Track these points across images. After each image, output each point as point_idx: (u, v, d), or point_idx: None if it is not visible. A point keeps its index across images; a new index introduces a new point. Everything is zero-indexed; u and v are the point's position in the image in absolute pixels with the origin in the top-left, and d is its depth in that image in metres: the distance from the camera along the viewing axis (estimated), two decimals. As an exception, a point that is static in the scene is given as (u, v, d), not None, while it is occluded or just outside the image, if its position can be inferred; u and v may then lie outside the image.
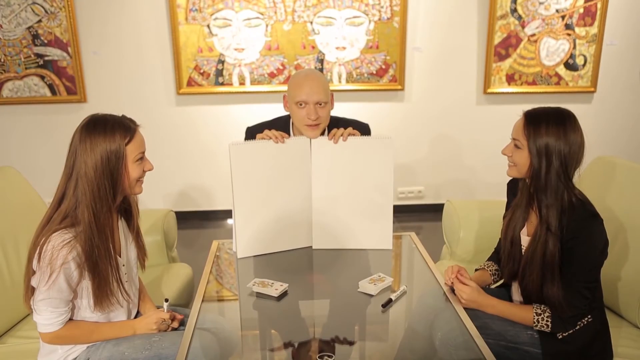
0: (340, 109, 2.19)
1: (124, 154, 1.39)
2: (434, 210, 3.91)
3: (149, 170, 1.48)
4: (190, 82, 3.66)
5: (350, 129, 1.83)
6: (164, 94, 3.72)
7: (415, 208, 4.01)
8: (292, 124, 1.97)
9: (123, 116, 1.46)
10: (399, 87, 3.73)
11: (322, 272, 1.84)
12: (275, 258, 1.86)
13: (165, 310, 1.55)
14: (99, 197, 1.37)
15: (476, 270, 1.79)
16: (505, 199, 1.78)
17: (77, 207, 1.37)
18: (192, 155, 3.87)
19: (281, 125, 1.98)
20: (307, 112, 1.80)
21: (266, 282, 1.63)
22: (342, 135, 1.80)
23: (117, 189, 1.42)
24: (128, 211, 1.56)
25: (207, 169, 3.89)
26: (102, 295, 1.41)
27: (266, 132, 1.80)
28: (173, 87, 3.70)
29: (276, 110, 2.15)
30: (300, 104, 1.81)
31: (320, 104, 1.81)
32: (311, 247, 1.86)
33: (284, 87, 3.63)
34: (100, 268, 1.39)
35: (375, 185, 1.84)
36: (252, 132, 1.98)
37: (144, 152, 1.47)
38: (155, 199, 3.87)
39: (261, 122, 2.03)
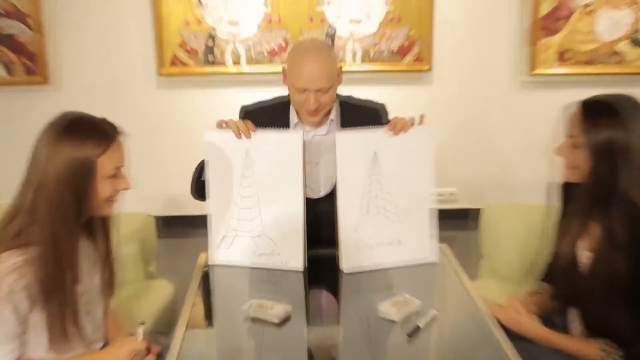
0: (355, 94, 2.18)
1: (93, 167, 1.38)
2: (469, 217, 3.88)
3: (124, 189, 1.48)
4: (175, 62, 3.64)
5: (412, 120, 1.89)
6: (142, 75, 3.71)
7: (446, 214, 3.90)
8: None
9: (103, 120, 1.45)
10: (426, 67, 3.70)
11: (333, 291, 1.86)
12: (274, 274, 1.87)
13: (141, 337, 1.52)
14: (60, 215, 1.36)
15: (530, 295, 1.76)
16: (558, 204, 1.75)
17: (32, 224, 1.35)
18: (175, 148, 3.86)
19: (281, 108, 2.06)
20: (307, 99, 1.90)
21: (265, 305, 1.62)
22: (402, 127, 1.87)
23: (82, 208, 1.40)
24: (100, 227, 1.54)
25: (194, 165, 3.87)
26: (56, 332, 1.39)
27: (230, 121, 1.89)
28: (153, 67, 3.68)
29: (276, 94, 2.17)
30: (300, 90, 1.91)
31: (323, 91, 1.90)
32: (301, 272, 1.88)
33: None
34: (54, 300, 1.38)
35: (412, 185, 1.90)
36: (247, 113, 2.08)
37: (120, 168, 1.45)
38: (131, 201, 3.82)
39: (259, 101, 2.12)
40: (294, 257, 1.87)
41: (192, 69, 3.66)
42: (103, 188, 1.41)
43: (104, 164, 1.39)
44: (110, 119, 1.48)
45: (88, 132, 1.39)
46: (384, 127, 1.86)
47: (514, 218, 2.31)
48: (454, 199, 4.01)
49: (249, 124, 1.87)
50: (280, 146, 1.86)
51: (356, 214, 1.88)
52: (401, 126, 1.86)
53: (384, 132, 1.86)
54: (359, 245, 1.88)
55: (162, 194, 3.90)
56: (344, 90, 2.10)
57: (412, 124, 1.88)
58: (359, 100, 2.11)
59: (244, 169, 1.88)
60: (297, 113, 2.02)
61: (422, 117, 1.90)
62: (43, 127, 1.40)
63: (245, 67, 3.67)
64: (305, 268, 1.87)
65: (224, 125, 1.89)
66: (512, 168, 3.99)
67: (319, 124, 2.01)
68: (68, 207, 1.36)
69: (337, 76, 1.95)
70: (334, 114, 2.03)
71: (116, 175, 1.44)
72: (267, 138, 1.87)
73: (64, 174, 1.35)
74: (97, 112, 1.49)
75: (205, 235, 1.93)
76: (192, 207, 3.89)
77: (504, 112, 3.87)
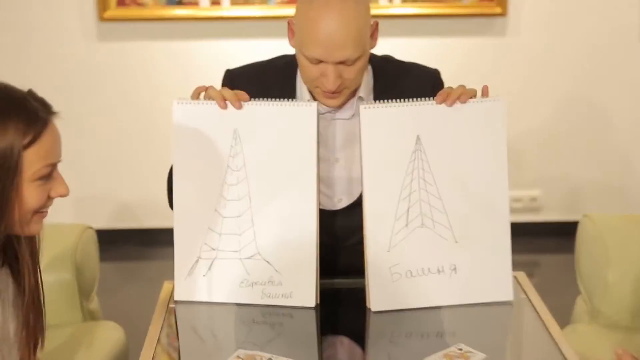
0: (395, 50, 2.17)
1: (17, 162, 1.38)
2: (559, 233, 3.87)
3: (61, 196, 1.48)
4: (124, 0, 3.69)
5: (472, 90, 1.89)
6: (75, 19, 3.74)
7: (526, 228, 3.96)
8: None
9: (29, 94, 1.45)
10: (499, 10, 3.73)
11: (357, 339, 1.85)
12: (273, 313, 1.87)
13: None
14: None
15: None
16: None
17: None
18: (127, 129, 3.88)
19: (283, 73, 2.05)
20: (323, 74, 1.87)
21: (258, 358, 1.64)
22: (458, 97, 1.87)
23: None
24: (23, 250, 1.54)
25: (153, 155, 3.90)
26: None
27: (212, 89, 1.90)
28: (93, 8, 3.71)
29: (276, 50, 2.17)
30: (313, 60, 1.88)
31: (348, 62, 1.86)
32: (312, 308, 1.89)
33: (291, 11, 3.62)
34: None
35: (475, 185, 1.89)
36: (232, 80, 2.06)
37: (55, 164, 1.46)
38: (61, 207, 3.88)
39: (251, 63, 2.11)
40: (303, 289, 1.87)
41: (150, 10, 3.68)
42: (30, 195, 1.41)
43: (33, 159, 1.39)
44: (56, 120, 1.48)
45: (7, 111, 1.38)
46: (431, 99, 1.86)
47: (628, 235, 2.30)
48: (537, 207, 4.02)
49: (240, 92, 1.87)
50: (285, 124, 1.86)
51: (390, 228, 1.87)
52: (457, 94, 1.85)
53: (431, 106, 1.86)
54: (395, 274, 1.88)
55: (108, 198, 3.92)
56: (378, 48, 2.06)
57: (474, 96, 1.88)
58: (403, 63, 2.09)
59: (230, 158, 1.87)
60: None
61: (484, 89, 1.90)
62: None
63: (228, 9, 3.69)
64: (317, 304, 1.88)
65: (203, 95, 1.89)
66: (626, 163, 4.00)
67: (341, 104, 2.00)
68: None
69: (371, 36, 1.92)
70: (365, 89, 2.02)
71: (49, 175, 1.45)
72: (265, 112, 1.86)
73: None
74: (6, 77, 1.48)
75: (170, 256, 1.90)
76: (151, 217, 3.92)
77: (615, 78, 3.87)
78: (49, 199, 1.47)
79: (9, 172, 1.37)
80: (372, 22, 1.91)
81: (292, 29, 1.96)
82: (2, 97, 1.41)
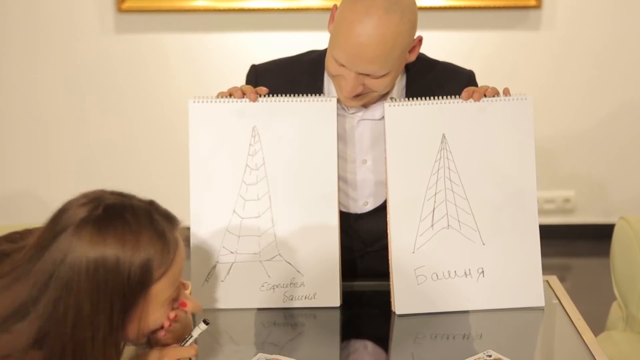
0: (424, 44, 2.15)
1: (145, 293, 1.37)
2: (594, 236, 3.86)
3: (186, 312, 1.49)
4: (144, -9, 3.70)
5: (496, 89, 1.91)
6: (93, 11, 3.76)
7: (558, 230, 3.96)
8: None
9: (153, 205, 1.43)
10: (533, 2, 3.71)
11: (380, 342, 1.86)
12: (294, 315, 1.89)
13: (194, 337, 1.56)
14: (89, 339, 1.34)
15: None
16: None
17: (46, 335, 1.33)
18: (144, 125, 3.90)
19: (307, 67, 2.05)
20: (343, 77, 1.85)
21: None
22: (484, 92, 1.89)
23: (120, 335, 1.40)
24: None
25: (171, 151, 3.92)
26: None
27: (233, 87, 1.92)
28: (110, 0, 3.73)
29: (298, 43, 2.15)
30: (337, 61, 1.86)
31: (372, 76, 1.85)
32: (337, 308, 1.91)
33: (326, 2, 3.62)
34: None
35: (503, 186, 1.91)
36: (257, 75, 2.07)
37: (180, 284, 1.47)
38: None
39: (277, 59, 2.11)
40: (327, 288, 1.89)
41: (171, 1, 3.69)
42: (154, 318, 1.41)
43: (162, 288, 1.39)
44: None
45: (140, 233, 1.35)
46: (457, 97, 1.88)
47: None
48: (570, 208, 4.00)
49: (259, 87, 1.89)
50: (304, 119, 1.89)
51: (415, 229, 1.89)
52: (484, 90, 1.88)
53: (457, 104, 1.88)
54: (420, 276, 1.89)
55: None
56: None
57: (498, 95, 1.89)
58: (437, 63, 2.10)
59: (249, 157, 1.89)
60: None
61: (505, 91, 1.91)
62: (66, 218, 1.37)
63: (250, 1, 3.70)
64: (340, 306, 1.89)
65: (227, 96, 1.91)
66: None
67: (368, 104, 1.99)
68: (99, 329, 1.34)
69: (410, 51, 1.91)
70: (398, 90, 2.01)
71: (176, 298, 1.45)
72: (283, 108, 1.89)
73: (103, 285, 1.32)
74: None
75: (187, 255, 1.92)
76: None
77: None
78: (174, 316, 1.46)
79: (138, 293, 1.36)
80: (415, 37, 1.88)
81: (333, 16, 1.90)
82: (131, 216, 1.38)
